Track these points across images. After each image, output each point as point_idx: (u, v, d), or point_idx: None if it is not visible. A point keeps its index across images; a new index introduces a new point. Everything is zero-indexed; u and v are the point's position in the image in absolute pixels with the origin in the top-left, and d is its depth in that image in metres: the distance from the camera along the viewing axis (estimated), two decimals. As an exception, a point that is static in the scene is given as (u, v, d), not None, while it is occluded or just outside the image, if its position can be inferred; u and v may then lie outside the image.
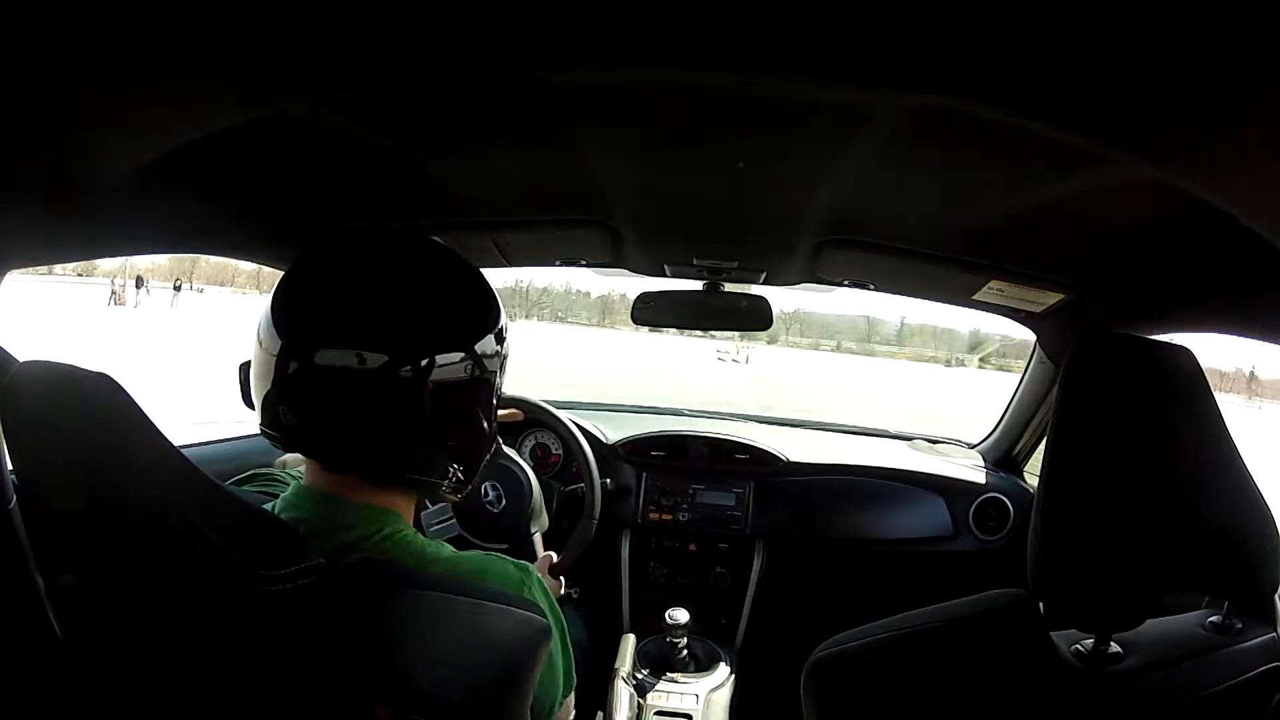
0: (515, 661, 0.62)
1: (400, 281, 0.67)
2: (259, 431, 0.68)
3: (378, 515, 0.67)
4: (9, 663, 0.64)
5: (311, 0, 0.47)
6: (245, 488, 0.82)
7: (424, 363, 0.64)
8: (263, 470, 0.86)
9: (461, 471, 0.72)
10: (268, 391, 0.65)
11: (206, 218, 0.91)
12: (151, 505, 0.53)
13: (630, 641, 1.52)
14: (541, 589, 0.70)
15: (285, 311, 0.65)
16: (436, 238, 1.18)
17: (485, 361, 0.69)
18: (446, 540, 0.81)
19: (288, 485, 0.84)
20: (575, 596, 1.70)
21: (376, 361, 0.62)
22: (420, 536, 0.69)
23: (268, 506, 0.69)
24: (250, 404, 1.17)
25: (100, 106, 0.56)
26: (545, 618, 0.65)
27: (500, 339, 0.71)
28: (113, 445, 0.54)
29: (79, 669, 0.65)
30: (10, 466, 0.63)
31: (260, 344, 0.65)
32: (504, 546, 1.28)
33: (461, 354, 0.67)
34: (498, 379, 0.72)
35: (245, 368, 1.16)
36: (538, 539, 1.32)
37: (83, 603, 0.65)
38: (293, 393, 0.64)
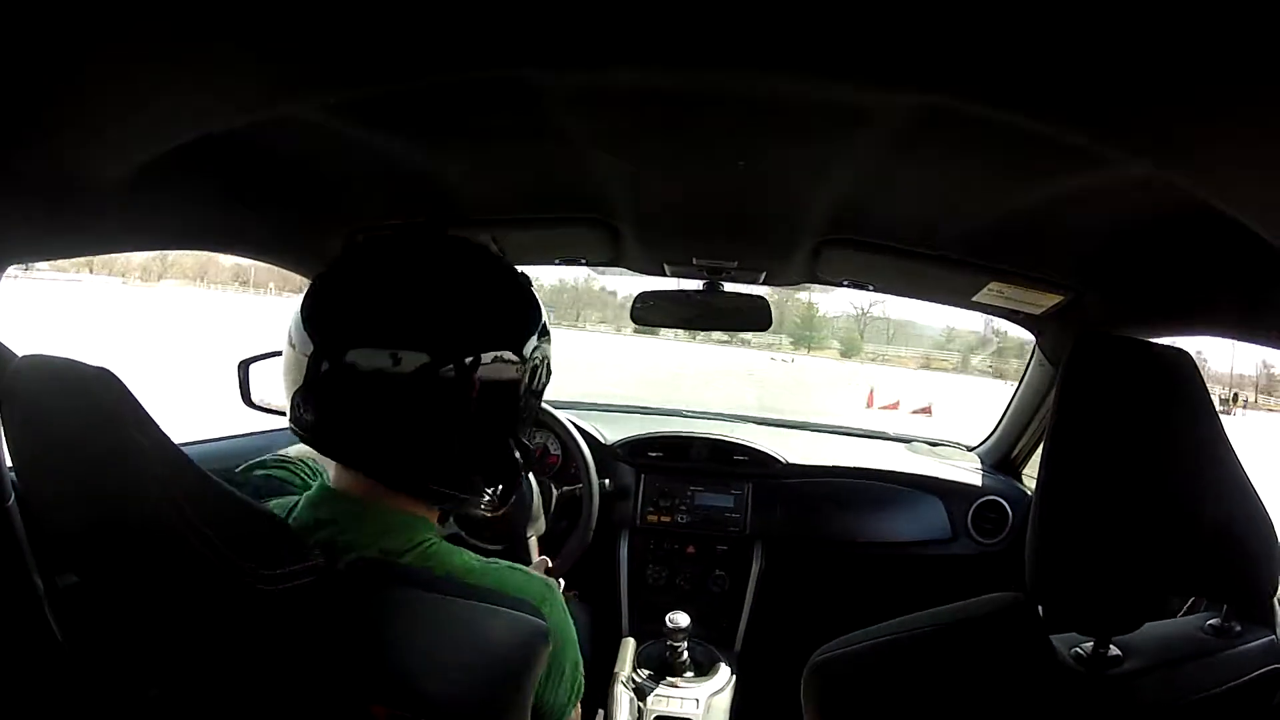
0: (511, 662, 0.62)
1: (440, 279, 0.65)
2: (285, 428, 0.68)
3: (409, 523, 0.66)
4: (7, 662, 0.64)
5: (310, 2, 0.47)
6: (257, 473, 0.81)
7: (468, 360, 0.62)
8: (275, 458, 0.85)
9: (498, 487, 0.71)
10: (296, 390, 0.64)
11: (208, 216, 0.92)
12: (150, 501, 0.53)
13: (630, 645, 1.52)
14: (561, 607, 0.68)
15: (318, 312, 0.64)
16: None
17: (531, 363, 0.66)
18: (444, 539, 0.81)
19: (301, 473, 0.83)
20: (574, 597, 1.69)
21: (414, 362, 0.60)
22: (453, 548, 0.68)
23: (287, 502, 0.68)
24: (248, 401, 1.17)
25: (102, 104, 0.56)
26: (544, 620, 0.65)
27: (544, 339, 0.69)
28: (112, 440, 0.54)
29: (77, 667, 0.64)
30: (9, 464, 0.63)
31: (292, 345, 0.64)
32: (500, 548, 1.28)
33: (510, 353, 0.64)
34: (543, 383, 0.70)
35: (245, 365, 1.16)
36: (533, 542, 1.31)
37: (81, 600, 0.65)
38: (320, 392, 0.62)
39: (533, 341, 0.67)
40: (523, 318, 0.67)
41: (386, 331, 0.61)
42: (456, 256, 0.67)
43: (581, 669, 0.73)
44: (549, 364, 0.70)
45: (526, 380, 0.67)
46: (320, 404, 0.63)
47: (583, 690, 0.74)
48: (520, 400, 0.67)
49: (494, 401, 0.65)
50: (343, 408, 0.62)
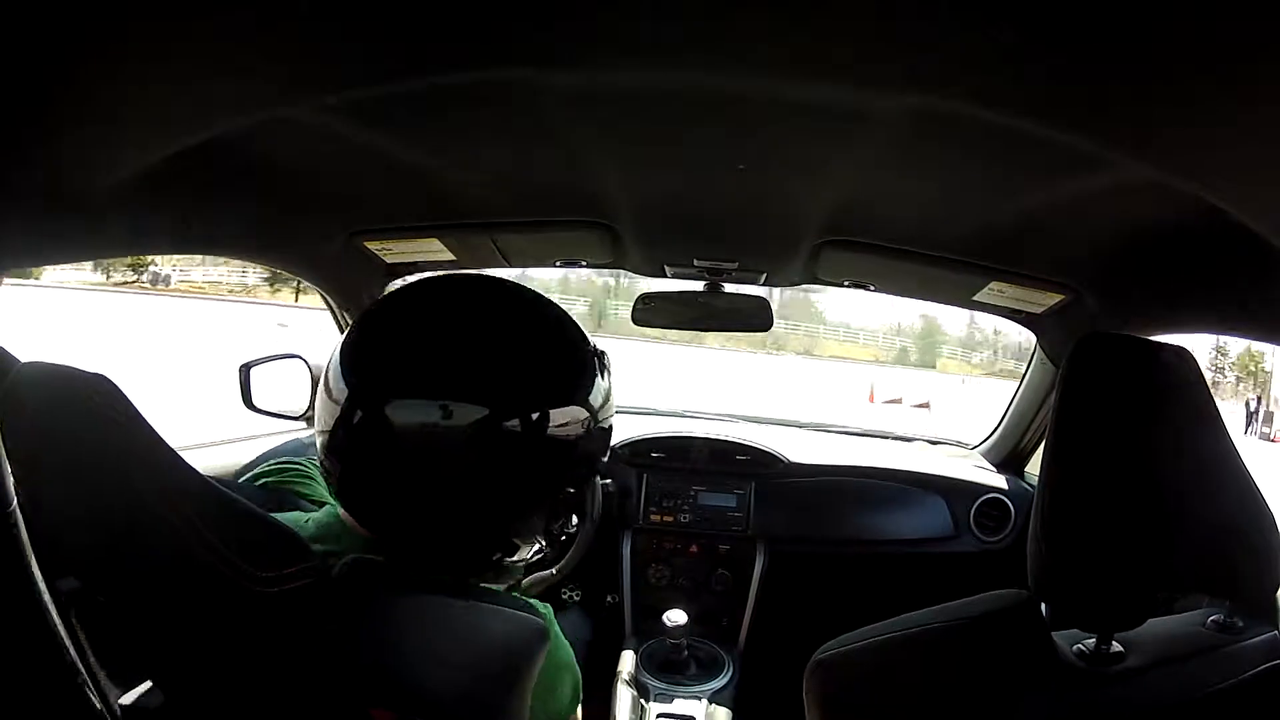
0: (512, 661, 0.62)
1: (499, 324, 0.58)
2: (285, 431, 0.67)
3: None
4: (10, 668, 0.64)
5: (308, 3, 0.47)
6: (266, 481, 0.81)
7: (535, 416, 0.55)
8: (274, 466, 0.85)
9: (546, 551, 0.65)
10: (326, 439, 0.58)
11: (208, 219, 0.92)
12: (150, 505, 0.53)
13: (632, 644, 1.52)
14: (555, 625, 0.67)
15: (356, 355, 0.57)
16: (438, 239, 1.19)
17: (601, 425, 0.60)
18: None
19: (310, 478, 0.82)
20: (576, 600, 1.69)
21: (469, 415, 0.52)
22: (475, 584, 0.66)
23: (294, 519, 0.67)
24: (250, 404, 1.17)
25: (101, 108, 0.56)
26: (543, 620, 0.65)
27: (610, 399, 0.63)
28: (110, 446, 0.54)
29: (79, 673, 0.64)
30: (10, 469, 0.63)
31: (327, 391, 0.58)
32: None
33: (582, 410, 0.58)
34: (605, 454, 0.64)
35: (246, 369, 1.16)
36: None
37: (84, 606, 0.65)
38: (351, 446, 0.55)
39: (600, 395, 0.60)
40: (588, 369, 0.61)
41: (436, 380, 0.53)
42: (510, 301, 0.61)
43: (573, 690, 0.71)
44: (611, 433, 0.64)
45: (590, 447, 0.60)
46: (351, 460, 0.57)
47: (575, 703, 0.73)
48: (579, 468, 0.61)
49: (546, 470, 0.58)
50: (376, 468, 0.56)
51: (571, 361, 0.60)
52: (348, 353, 0.58)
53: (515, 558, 0.65)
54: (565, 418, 0.57)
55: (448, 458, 0.54)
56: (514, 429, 0.54)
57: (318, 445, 0.60)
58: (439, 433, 0.53)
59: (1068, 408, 0.60)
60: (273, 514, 0.61)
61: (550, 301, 0.64)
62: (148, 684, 0.62)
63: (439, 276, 0.64)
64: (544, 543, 0.67)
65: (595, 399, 0.60)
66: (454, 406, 0.53)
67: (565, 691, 0.69)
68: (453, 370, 0.54)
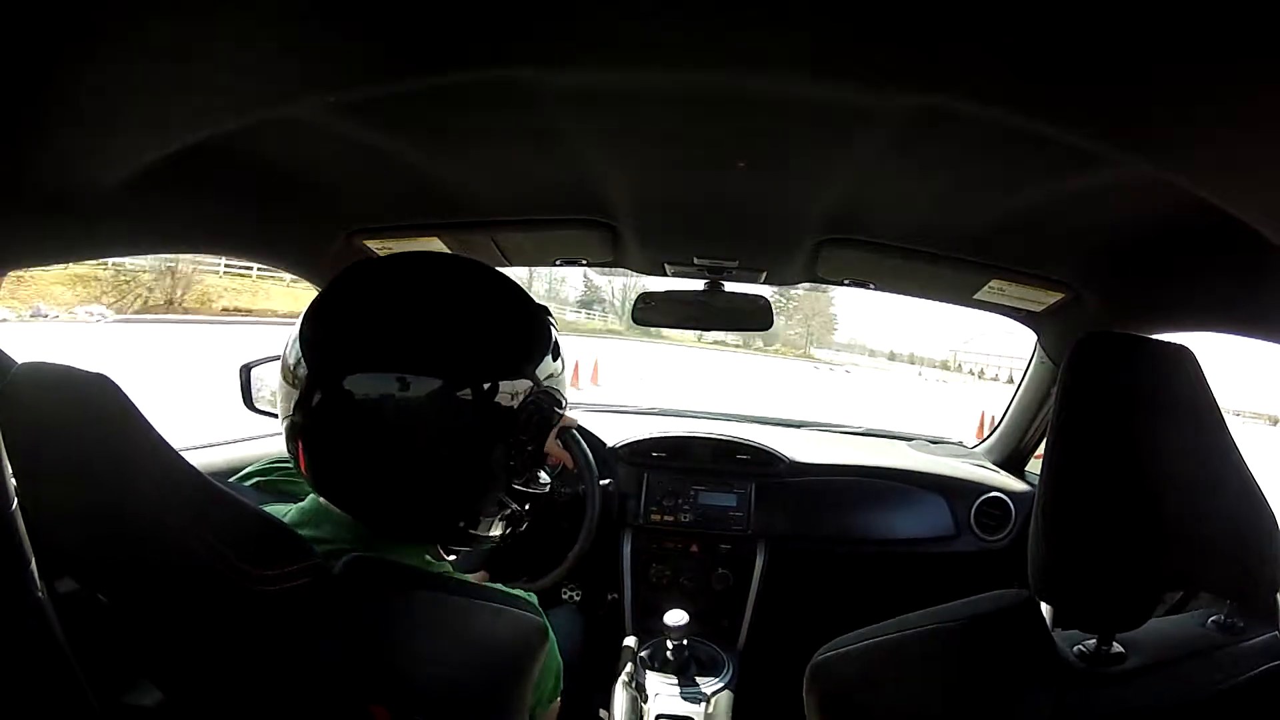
0: (512, 659, 0.62)
1: (449, 299, 0.61)
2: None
3: (413, 549, 0.65)
4: (10, 667, 0.64)
5: (308, 2, 0.47)
6: (257, 480, 0.81)
7: (486, 386, 0.58)
8: (274, 462, 0.85)
9: (503, 527, 0.67)
10: (288, 424, 0.60)
11: (208, 218, 0.92)
12: (149, 505, 0.54)
13: (632, 644, 1.52)
14: (544, 617, 0.68)
15: (314, 333, 0.59)
16: (438, 238, 1.19)
17: (544, 391, 0.63)
18: None
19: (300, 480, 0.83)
20: (576, 600, 1.69)
21: (425, 387, 0.55)
22: (451, 569, 0.67)
23: (279, 510, 0.68)
24: (250, 405, 1.17)
25: (102, 108, 0.56)
26: (541, 619, 0.65)
27: (560, 370, 0.66)
28: (109, 445, 0.54)
29: (79, 672, 0.64)
30: (10, 469, 0.63)
31: (285, 372, 0.60)
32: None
33: (525, 381, 0.61)
34: (554, 417, 0.66)
35: (246, 369, 1.16)
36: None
37: (83, 606, 0.65)
38: (314, 424, 0.57)
39: (547, 367, 0.64)
40: (538, 341, 0.64)
41: (392, 354, 0.56)
42: (464, 276, 0.64)
43: (555, 681, 0.73)
44: (562, 398, 0.67)
45: (535, 410, 0.63)
46: (314, 438, 0.59)
47: (556, 695, 0.74)
48: (527, 433, 0.63)
49: (500, 435, 0.61)
50: (339, 443, 0.58)
51: (521, 334, 0.64)
52: (306, 335, 0.59)
53: (480, 530, 0.67)
54: (515, 387, 0.60)
55: (405, 426, 0.57)
56: (466, 398, 0.57)
57: (283, 430, 0.61)
58: (396, 403, 0.55)
59: (1068, 407, 0.60)
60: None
61: (502, 276, 0.66)
62: (147, 684, 0.62)
63: (393, 255, 0.66)
64: (514, 508, 0.68)
65: (544, 369, 0.63)
66: (410, 379, 0.55)
67: (549, 682, 0.71)
68: (409, 344, 0.57)
